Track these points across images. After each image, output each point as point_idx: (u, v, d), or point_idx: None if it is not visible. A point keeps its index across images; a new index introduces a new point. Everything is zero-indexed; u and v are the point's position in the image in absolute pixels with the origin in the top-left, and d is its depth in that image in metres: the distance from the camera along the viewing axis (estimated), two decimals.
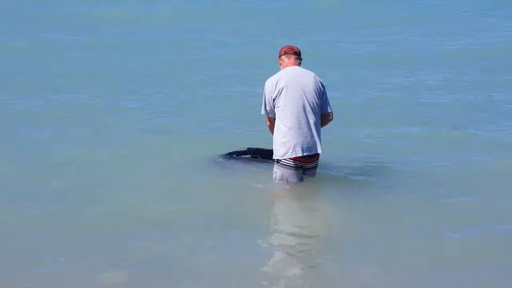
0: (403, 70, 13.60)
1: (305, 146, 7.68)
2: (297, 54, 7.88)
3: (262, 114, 7.88)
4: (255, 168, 8.36)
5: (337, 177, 8.23)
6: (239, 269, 6.11)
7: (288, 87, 7.68)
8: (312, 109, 7.69)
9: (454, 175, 8.37)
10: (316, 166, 7.86)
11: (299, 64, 7.87)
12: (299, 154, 7.68)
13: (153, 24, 17.93)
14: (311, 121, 7.68)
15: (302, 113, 7.67)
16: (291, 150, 7.68)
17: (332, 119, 7.87)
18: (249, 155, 8.63)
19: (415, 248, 6.53)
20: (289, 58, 7.86)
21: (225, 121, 10.33)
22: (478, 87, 12.37)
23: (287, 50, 7.88)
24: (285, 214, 7.60)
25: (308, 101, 7.68)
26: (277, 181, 7.83)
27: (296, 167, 7.75)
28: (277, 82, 7.71)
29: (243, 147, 8.69)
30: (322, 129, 7.83)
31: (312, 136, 7.69)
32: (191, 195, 7.74)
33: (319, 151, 7.71)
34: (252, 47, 15.33)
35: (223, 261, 6.25)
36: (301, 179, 7.81)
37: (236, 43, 15.84)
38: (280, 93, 7.69)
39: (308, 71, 7.81)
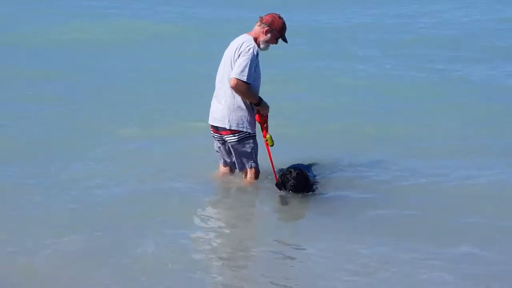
0: None
1: (212, 114, 7.65)
2: (261, 21, 7.52)
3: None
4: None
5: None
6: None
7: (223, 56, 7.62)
8: (223, 79, 7.53)
9: None
10: (234, 143, 7.56)
11: (264, 32, 7.48)
12: (209, 121, 7.70)
13: None
14: (223, 91, 7.50)
15: (219, 83, 7.58)
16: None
17: (234, 86, 7.32)
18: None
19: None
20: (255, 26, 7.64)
21: None
22: None
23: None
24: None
25: (224, 70, 7.51)
26: None
27: (215, 138, 7.74)
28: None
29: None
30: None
31: (221, 107, 7.53)
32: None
33: (225, 125, 7.51)
34: None
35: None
36: (221, 153, 7.77)
37: None
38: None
39: (242, 37, 7.52)
